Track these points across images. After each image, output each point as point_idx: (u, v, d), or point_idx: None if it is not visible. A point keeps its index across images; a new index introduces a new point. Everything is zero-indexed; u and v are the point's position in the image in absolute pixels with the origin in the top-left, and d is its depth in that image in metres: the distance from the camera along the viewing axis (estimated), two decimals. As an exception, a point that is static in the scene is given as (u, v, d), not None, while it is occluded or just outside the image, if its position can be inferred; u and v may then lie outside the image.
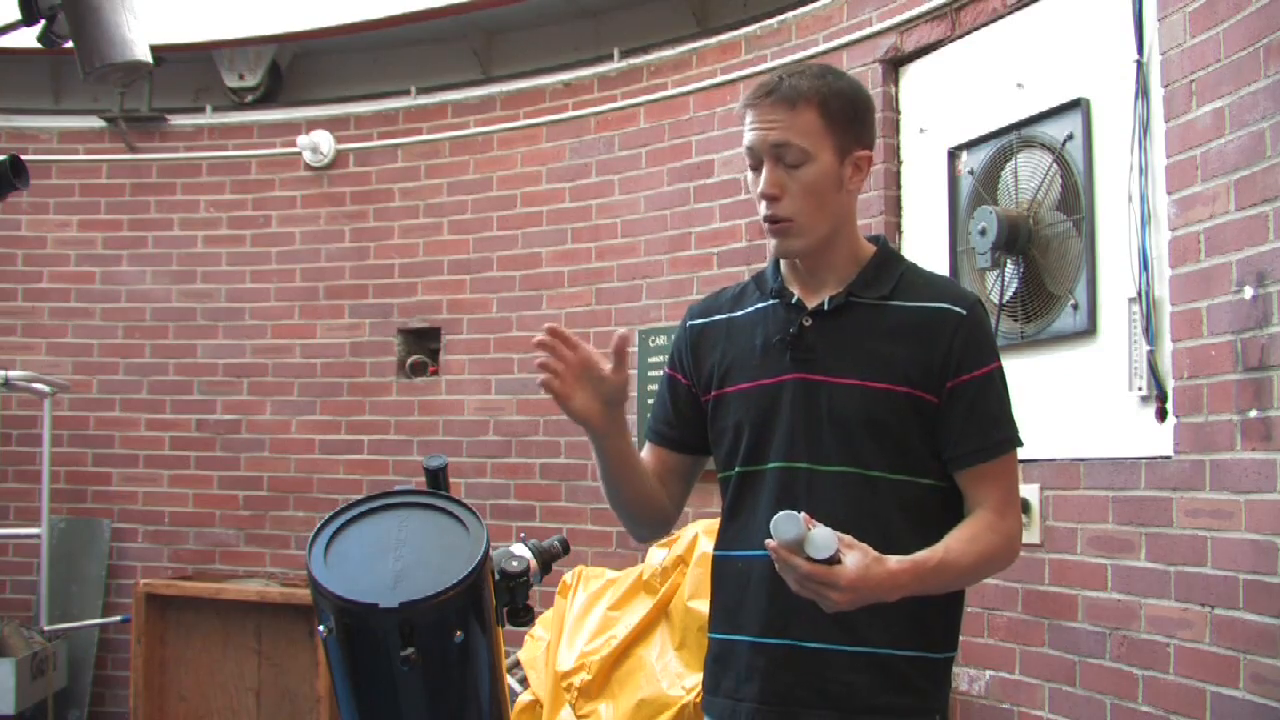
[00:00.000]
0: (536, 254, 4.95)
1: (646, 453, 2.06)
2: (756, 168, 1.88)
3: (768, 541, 1.61)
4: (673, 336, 2.11)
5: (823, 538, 1.60)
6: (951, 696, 3.53)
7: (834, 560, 1.61)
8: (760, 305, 1.96)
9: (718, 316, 2.01)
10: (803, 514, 1.61)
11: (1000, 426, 1.85)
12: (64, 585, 5.19)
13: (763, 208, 1.86)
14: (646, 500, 2.00)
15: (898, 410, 1.83)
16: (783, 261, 1.96)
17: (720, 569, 1.97)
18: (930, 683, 1.85)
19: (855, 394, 1.83)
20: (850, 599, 1.63)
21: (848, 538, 1.65)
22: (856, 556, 1.63)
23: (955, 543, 1.78)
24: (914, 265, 1.97)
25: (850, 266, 1.91)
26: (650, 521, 2.05)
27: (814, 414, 1.85)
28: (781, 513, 1.61)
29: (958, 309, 1.85)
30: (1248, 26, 2.69)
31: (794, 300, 1.91)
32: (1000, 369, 1.88)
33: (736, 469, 1.93)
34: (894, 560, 1.68)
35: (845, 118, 1.86)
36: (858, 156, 1.88)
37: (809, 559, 1.60)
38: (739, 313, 1.99)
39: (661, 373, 2.08)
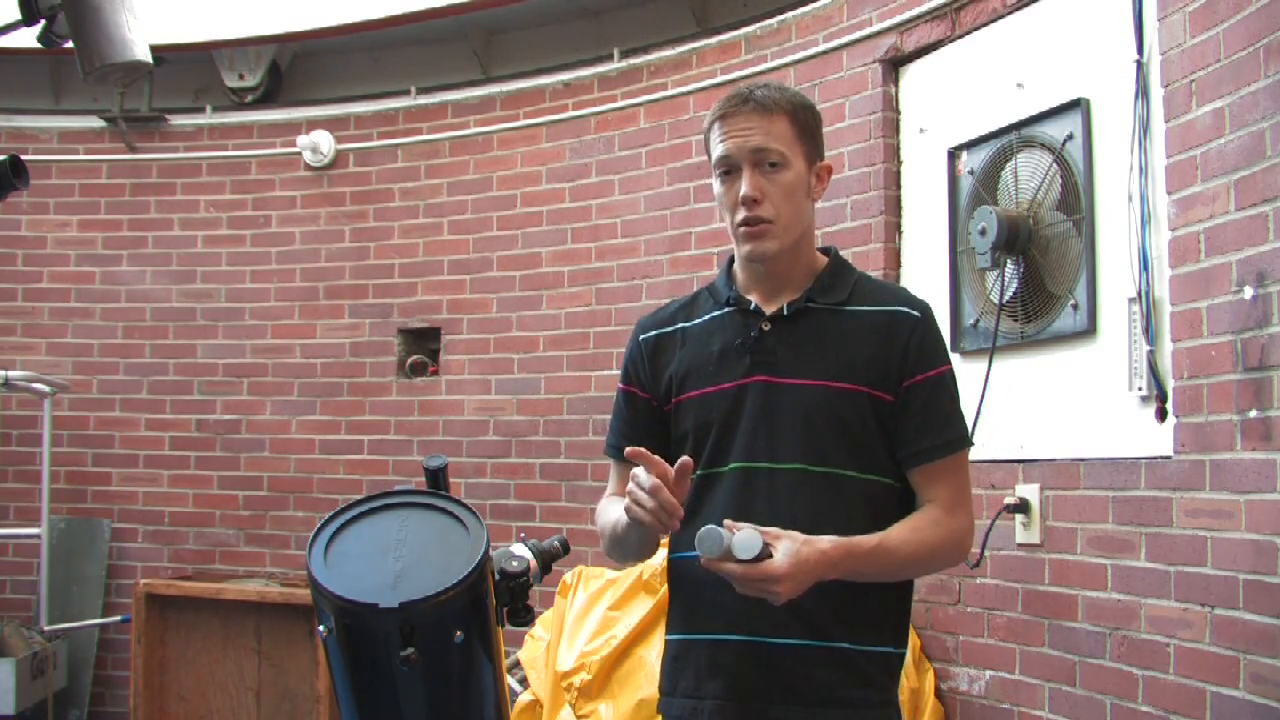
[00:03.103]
0: (536, 254, 4.95)
1: (615, 474, 2.07)
2: (729, 177, 1.92)
3: (700, 558, 1.66)
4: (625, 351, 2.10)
5: (745, 539, 1.66)
6: (951, 696, 3.56)
7: (764, 556, 1.67)
8: (715, 314, 2.00)
9: (670, 327, 2.04)
10: (725, 522, 1.68)
11: (952, 425, 1.92)
12: (64, 585, 5.18)
13: (740, 213, 1.91)
14: (648, 547, 1.99)
15: (859, 410, 1.88)
16: (738, 271, 2.00)
17: (678, 571, 1.99)
18: (887, 676, 1.91)
19: (819, 394, 1.88)
20: (791, 587, 1.68)
21: (774, 530, 1.71)
22: (785, 545, 1.69)
23: (897, 531, 1.84)
24: (865, 273, 2.05)
25: (806, 274, 1.98)
26: (643, 556, 2.06)
27: (776, 414, 1.89)
28: (702, 529, 1.66)
29: (913, 312, 1.93)
30: (1248, 26, 2.69)
31: (752, 307, 1.95)
32: (951, 371, 1.95)
33: (698, 472, 1.93)
34: (825, 540, 1.73)
35: (811, 128, 1.96)
36: (820, 167, 1.98)
37: (739, 562, 1.66)
38: (691, 322, 2.02)
39: (616, 390, 2.09)
